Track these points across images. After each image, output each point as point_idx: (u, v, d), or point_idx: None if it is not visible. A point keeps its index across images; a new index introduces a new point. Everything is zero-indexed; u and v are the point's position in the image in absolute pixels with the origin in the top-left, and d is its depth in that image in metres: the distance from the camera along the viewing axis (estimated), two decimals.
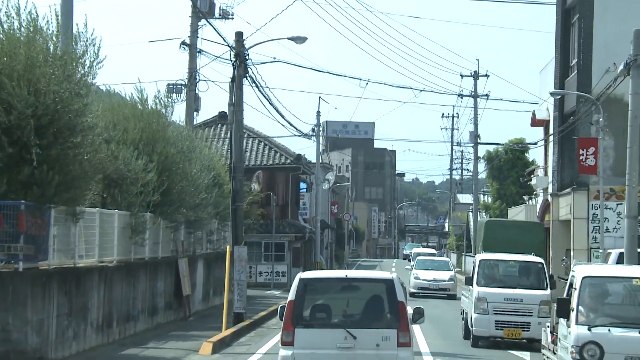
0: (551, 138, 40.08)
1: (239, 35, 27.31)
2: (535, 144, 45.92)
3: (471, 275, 25.54)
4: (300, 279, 14.03)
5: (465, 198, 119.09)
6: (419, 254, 60.80)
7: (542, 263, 25.12)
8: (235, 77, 26.87)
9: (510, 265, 25.31)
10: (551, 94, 33.60)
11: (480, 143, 53.85)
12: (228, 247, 27.11)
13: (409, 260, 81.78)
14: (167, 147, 26.48)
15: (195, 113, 44.01)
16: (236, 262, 26.84)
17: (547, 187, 41.40)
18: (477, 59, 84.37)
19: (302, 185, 60.51)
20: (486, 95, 70.52)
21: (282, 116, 38.40)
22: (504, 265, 25.37)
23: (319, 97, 55.75)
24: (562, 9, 38.91)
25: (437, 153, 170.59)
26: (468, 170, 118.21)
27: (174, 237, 28.93)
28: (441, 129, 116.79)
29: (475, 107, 71.34)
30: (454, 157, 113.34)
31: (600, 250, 29.57)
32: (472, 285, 24.96)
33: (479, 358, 22.90)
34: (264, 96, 37.13)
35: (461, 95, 72.11)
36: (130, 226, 23.90)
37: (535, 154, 51.67)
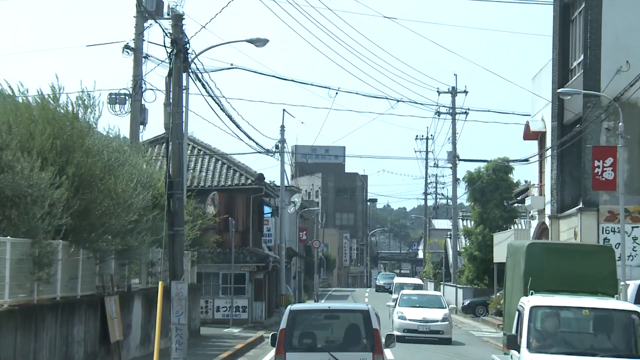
0: (548, 152, 34.96)
1: (177, 19, 21.95)
2: (527, 160, 40.77)
3: (516, 330, 16.51)
4: (290, 310, 16.18)
5: (441, 224, 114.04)
6: (402, 286, 51.89)
7: (637, 312, 15.65)
8: (173, 69, 21.49)
9: (583, 317, 16.17)
10: (559, 93, 28.43)
11: (463, 160, 48.88)
12: (161, 283, 21.60)
13: (389, 292, 75.29)
14: (86, 158, 21.03)
15: (141, 127, 38.64)
16: (174, 301, 21.40)
17: (544, 209, 36.23)
18: (455, 74, 79.44)
19: (267, 209, 55.17)
20: (465, 111, 65.97)
21: (240, 127, 33.04)
22: (573, 315, 16.26)
23: (283, 110, 50.43)
24: (561, 4, 33.90)
25: (412, 174, 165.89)
26: (443, 195, 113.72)
27: (99, 270, 23.38)
28: (415, 151, 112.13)
29: (454, 125, 66.53)
30: (429, 182, 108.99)
31: (622, 283, 24.12)
32: (517, 351, 15.79)
33: None
34: (217, 104, 31.90)
35: (438, 113, 67.40)
36: (32, 258, 18.42)
37: (522, 174, 46.75)
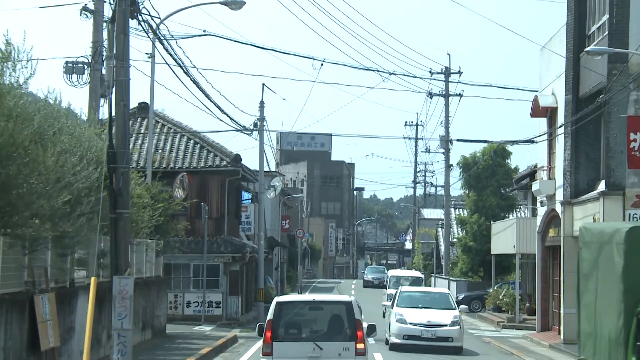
0: (561, 130, 30.82)
1: None
2: (532, 141, 36.61)
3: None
4: (277, 302, 17.12)
5: (430, 213, 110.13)
6: (398, 280, 45.23)
7: None
8: (116, 13, 17.25)
9: None
10: (588, 52, 24.28)
11: (461, 140, 45.10)
12: (93, 279, 17.38)
13: (378, 287, 69.36)
14: (6, 122, 16.80)
15: (102, 100, 34.46)
16: (116, 301, 17.23)
17: (554, 194, 32.11)
18: (449, 54, 75.14)
19: (246, 195, 51.06)
20: (459, 94, 61.86)
21: (212, 100, 28.78)
22: None
23: (263, 85, 46.10)
24: None
25: (402, 159, 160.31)
26: (432, 184, 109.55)
27: (29, 261, 19.15)
28: (404, 138, 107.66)
29: (447, 108, 62.43)
30: (418, 170, 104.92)
31: None
32: None
33: None
34: (186, 73, 27.68)
35: (430, 95, 63.22)
36: None
37: (521, 159, 42.43)
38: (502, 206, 55.79)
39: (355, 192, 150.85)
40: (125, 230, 17.45)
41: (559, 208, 31.09)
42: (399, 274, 50.59)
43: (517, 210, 57.02)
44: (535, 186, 33.50)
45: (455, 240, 61.63)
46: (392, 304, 28.99)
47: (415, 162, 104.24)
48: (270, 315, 16.83)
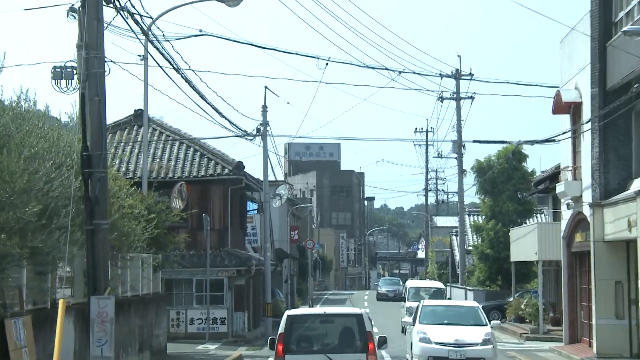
0: (587, 126, 28.49)
1: None
2: (553, 140, 34.25)
3: None
4: (288, 316, 17.16)
5: (443, 221, 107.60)
6: (417, 291, 41.38)
7: None
8: None
9: None
10: (625, 32, 21.99)
11: (478, 141, 42.03)
12: (62, 301, 15.10)
13: (393, 300, 66.06)
14: None
15: None
16: (94, 325, 14.98)
17: (581, 196, 29.76)
18: (459, 55, 71.70)
19: (252, 206, 48.86)
20: (471, 96, 59.57)
21: (210, 104, 26.54)
22: None
23: (265, 87, 43.88)
24: None
25: (413, 165, 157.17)
26: (444, 191, 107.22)
27: (1, 280, 16.92)
28: (414, 144, 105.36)
29: (458, 111, 60.14)
30: (429, 178, 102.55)
31: None
32: None
33: None
34: (182, 76, 25.44)
35: (441, 99, 60.89)
36: None
37: (537, 163, 40.11)
38: (519, 211, 53.40)
39: (365, 202, 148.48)
40: (104, 243, 15.20)
41: (587, 211, 28.75)
42: (419, 284, 46.35)
43: (535, 215, 54.72)
44: (560, 188, 31.14)
45: (470, 247, 59.23)
46: (414, 320, 25.28)
47: (427, 169, 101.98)
48: (281, 329, 16.91)
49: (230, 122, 31.52)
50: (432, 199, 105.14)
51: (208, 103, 26.79)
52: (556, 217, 39.28)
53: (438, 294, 40.91)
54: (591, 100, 28.03)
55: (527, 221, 52.99)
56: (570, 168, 30.87)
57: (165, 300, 30.98)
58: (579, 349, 30.10)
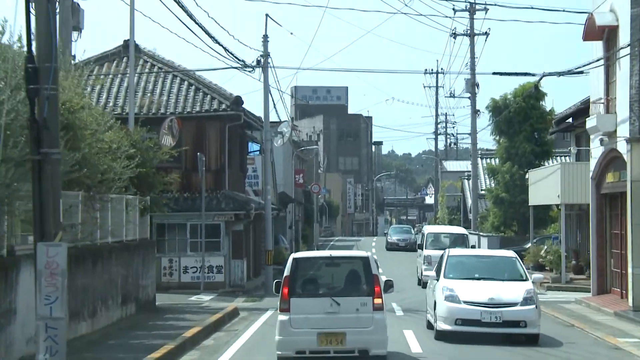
0: (622, 52, 25.36)
1: None
2: (581, 72, 31.12)
3: None
4: (294, 259, 16.80)
5: (453, 165, 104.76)
6: (436, 238, 36.51)
7: None
8: None
9: None
10: None
11: (498, 73, 38.57)
12: None
13: (405, 250, 63.04)
14: None
15: (75, 34, 29.25)
16: (42, 278, 12.10)
17: (615, 131, 26.70)
18: None
19: (255, 147, 45.96)
20: (485, 32, 56.33)
21: (198, 22, 23.41)
22: None
23: (266, 15, 40.66)
24: None
25: (423, 104, 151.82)
26: (453, 135, 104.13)
27: None
28: (424, 87, 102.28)
29: (472, 48, 57.00)
30: (439, 122, 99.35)
31: None
32: None
33: None
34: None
35: (454, 35, 57.64)
36: None
37: (556, 101, 36.82)
38: (536, 153, 50.40)
39: (373, 147, 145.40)
40: (55, 178, 12.25)
41: (622, 147, 25.71)
42: (439, 230, 40.85)
43: (555, 157, 51.70)
44: (591, 122, 28.05)
45: (484, 191, 56.32)
46: (437, 274, 21.03)
47: (436, 111, 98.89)
48: (287, 272, 16.60)
49: (225, 49, 28.42)
50: (441, 144, 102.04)
51: (200, 26, 23.70)
52: (579, 157, 36.29)
53: (460, 240, 36.29)
54: (631, 22, 24.87)
55: (544, 163, 50.02)
56: (602, 100, 27.77)
57: (153, 247, 28.13)
58: (610, 301, 27.24)
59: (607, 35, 27.51)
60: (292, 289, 16.45)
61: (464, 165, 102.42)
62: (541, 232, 51.57)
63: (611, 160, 27.58)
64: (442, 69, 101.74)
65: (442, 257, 21.87)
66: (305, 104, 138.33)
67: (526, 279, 20.49)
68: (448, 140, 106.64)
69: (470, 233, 56.31)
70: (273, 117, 39.60)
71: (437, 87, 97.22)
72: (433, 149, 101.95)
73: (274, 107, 36.82)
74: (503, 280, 20.32)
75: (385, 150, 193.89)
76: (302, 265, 16.88)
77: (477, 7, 56.31)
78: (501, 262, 21.32)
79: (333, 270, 17.33)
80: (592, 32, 27.71)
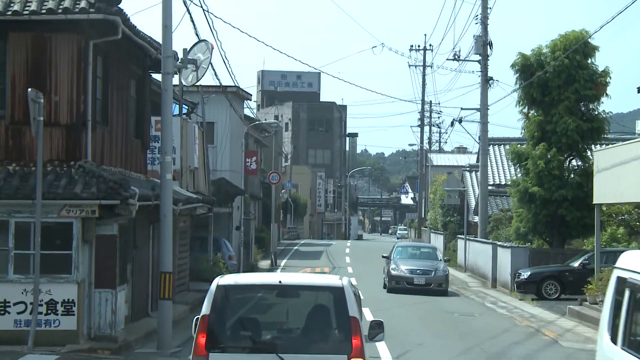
0: None
1: None
2: None
3: None
4: (219, 286, 10.26)
5: (441, 159, 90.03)
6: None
7: None
8: None
9: None
10: None
11: None
12: None
13: (446, 290, 34.20)
14: None
15: None
16: None
17: None
18: None
19: (183, 109, 31.02)
20: None
21: None
22: None
23: None
24: None
25: (406, 95, 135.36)
26: (438, 126, 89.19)
27: None
28: (409, 65, 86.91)
29: None
30: (425, 110, 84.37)
31: None
32: None
33: None
34: None
35: None
36: None
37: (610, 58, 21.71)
38: (582, 131, 35.29)
39: (347, 138, 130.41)
40: None
41: None
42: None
43: (605, 135, 36.53)
44: None
45: (509, 182, 41.31)
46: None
47: (423, 94, 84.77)
48: (205, 309, 10.03)
49: None
50: (426, 137, 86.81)
51: None
52: None
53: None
54: None
55: (594, 146, 35.08)
56: None
57: None
58: None
59: None
60: (213, 337, 9.84)
61: (453, 159, 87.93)
62: (579, 245, 36.71)
63: None
64: (430, 45, 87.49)
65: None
66: (274, 89, 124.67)
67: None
68: (432, 131, 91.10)
69: (481, 242, 41.26)
70: (188, 41, 23.81)
71: (424, 65, 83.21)
72: (416, 141, 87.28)
73: (192, 22, 21.03)
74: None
75: (358, 149, 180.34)
76: (233, 298, 10.27)
77: None
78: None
79: (285, 307, 10.58)
80: None
